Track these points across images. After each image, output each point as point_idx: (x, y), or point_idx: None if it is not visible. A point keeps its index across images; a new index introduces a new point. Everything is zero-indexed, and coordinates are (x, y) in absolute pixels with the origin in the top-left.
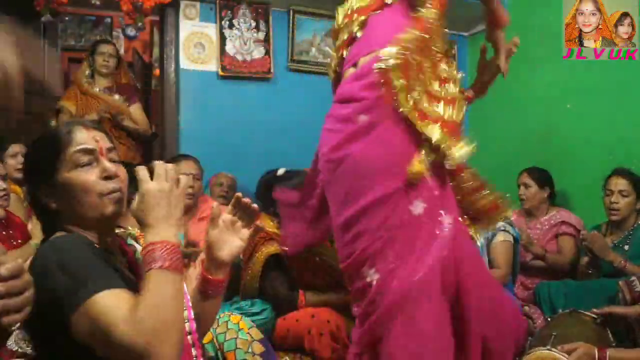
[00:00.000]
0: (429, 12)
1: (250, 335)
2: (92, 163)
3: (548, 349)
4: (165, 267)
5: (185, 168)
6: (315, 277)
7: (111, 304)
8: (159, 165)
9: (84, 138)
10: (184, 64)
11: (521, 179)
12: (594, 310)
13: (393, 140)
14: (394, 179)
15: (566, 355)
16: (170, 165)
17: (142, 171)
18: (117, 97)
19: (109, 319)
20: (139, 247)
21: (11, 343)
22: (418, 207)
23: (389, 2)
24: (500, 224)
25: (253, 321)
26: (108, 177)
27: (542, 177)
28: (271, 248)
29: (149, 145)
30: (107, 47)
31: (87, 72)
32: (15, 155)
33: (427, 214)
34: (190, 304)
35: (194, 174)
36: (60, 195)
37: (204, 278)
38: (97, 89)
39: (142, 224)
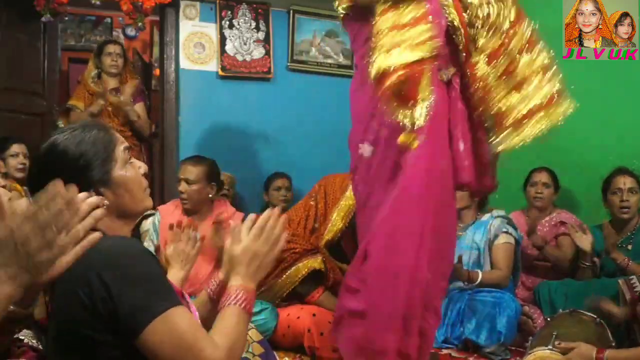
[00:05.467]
0: None
1: (250, 336)
2: (132, 160)
3: (549, 349)
4: (245, 309)
5: (180, 173)
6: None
7: (189, 322)
8: (262, 226)
9: (122, 139)
10: (184, 64)
11: (540, 177)
12: (588, 299)
13: None
14: None
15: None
16: (270, 225)
17: (246, 228)
18: (122, 98)
19: (190, 337)
20: None
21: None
22: None
23: None
24: (504, 226)
25: (252, 321)
26: (144, 174)
27: (557, 178)
28: (315, 263)
29: (149, 145)
30: (115, 47)
31: (94, 72)
32: (16, 155)
33: None
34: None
35: (184, 178)
36: (113, 193)
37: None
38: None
39: (231, 270)
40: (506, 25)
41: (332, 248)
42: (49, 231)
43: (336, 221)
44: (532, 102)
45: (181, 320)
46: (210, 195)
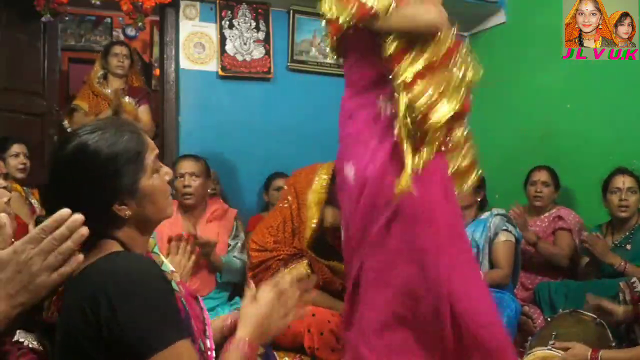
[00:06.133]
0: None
1: None
2: (159, 167)
3: (548, 349)
4: (248, 358)
5: (181, 168)
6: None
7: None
8: (279, 292)
9: (153, 144)
10: (184, 64)
11: (540, 176)
12: (588, 297)
13: None
14: None
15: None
16: (288, 295)
17: (266, 290)
18: (127, 99)
19: None
20: (164, 259)
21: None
22: None
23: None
24: (504, 224)
25: None
26: (169, 181)
27: (557, 177)
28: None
29: None
30: (121, 49)
31: (100, 73)
32: (17, 155)
33: None
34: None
35: (190, 173)
36: (138, 203)
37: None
38: (109, 91)
39: (241, 323)
40: None
41: (317, 245)
42: (51, 256)
43: (310, 218)
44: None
45: (185, 356)
46: (208, 190)
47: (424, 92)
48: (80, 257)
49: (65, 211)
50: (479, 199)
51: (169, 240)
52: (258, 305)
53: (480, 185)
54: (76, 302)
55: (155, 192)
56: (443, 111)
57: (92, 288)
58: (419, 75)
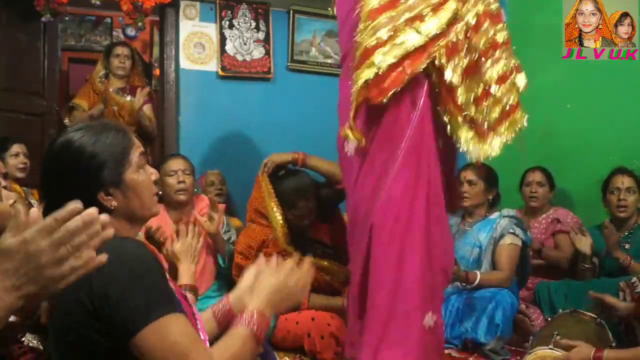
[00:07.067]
0: None
1: None
2: (145, 165)
3: (550, 349)
4: (257, 334)
5: (173, 166)
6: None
7: (185, 331)
8: (287, 265)
9: (138, 143)
10: (184, 64)
11: (534, 177)
12: (590, 293)
13: None
14: None
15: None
16: (290, 266)
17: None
18: (129, 98)
19: (183, 347)
20: None
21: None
22: None
23: None
24: (512, 226)
25: None
26: (155, 181)
27: (551, 177)
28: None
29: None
30: (123, 49)
31: (102, 72)
32: (17, 155)
33: None
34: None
35: (182, 169)
36: (123, 195)
37: (231, 315)
38: (110, 90)
39: (253, 294)
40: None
41: (294, 242)
42: (62, 248)
43: (276, 215)
44: (497, 110)
45: (176, 328)
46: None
47: (376, 30)
48: (104, 257)
49: (78, 203)
50: (490, 197)
51: (177, 222)
52: (276, 275)
53: (492, 183)
54: (71, 292)
55: (140, 186)
56: (379, 59)
57: (85, 275)
58: (375, 11)
